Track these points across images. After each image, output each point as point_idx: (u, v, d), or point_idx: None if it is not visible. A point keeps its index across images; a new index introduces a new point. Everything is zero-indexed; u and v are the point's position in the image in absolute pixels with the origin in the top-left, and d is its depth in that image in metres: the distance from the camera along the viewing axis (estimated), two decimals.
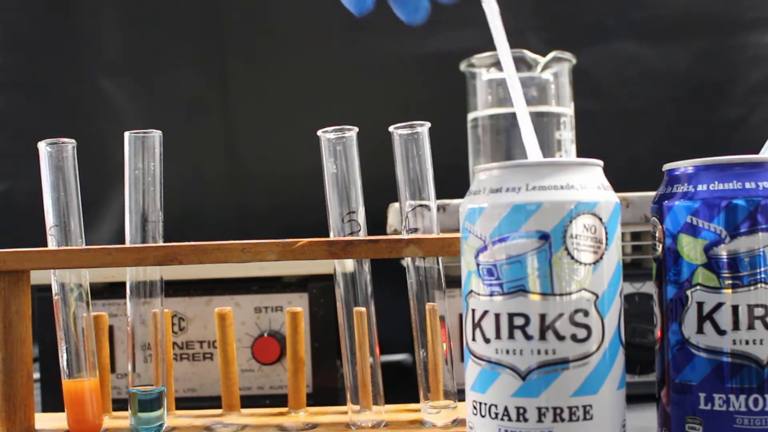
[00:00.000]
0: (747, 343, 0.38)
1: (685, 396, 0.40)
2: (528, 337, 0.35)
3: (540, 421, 0.35)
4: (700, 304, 0.39)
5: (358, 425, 0.48)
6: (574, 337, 0.35)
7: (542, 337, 0.35)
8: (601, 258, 0.36)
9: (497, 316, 0.36)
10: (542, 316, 0.35)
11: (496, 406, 0.36)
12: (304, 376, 0.51)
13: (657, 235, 0.41)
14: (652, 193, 0.43)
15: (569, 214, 0.35)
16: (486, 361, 0.36)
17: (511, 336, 0.35)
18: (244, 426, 0.50)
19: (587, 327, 0.35)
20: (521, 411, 0.35)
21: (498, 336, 0.36)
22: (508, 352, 0.36)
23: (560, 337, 0.35)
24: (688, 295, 0.39)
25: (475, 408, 0.37)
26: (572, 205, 0.35)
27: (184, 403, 0.60)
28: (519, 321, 0.35)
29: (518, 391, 0.35)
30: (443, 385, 0.48)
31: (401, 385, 0.60)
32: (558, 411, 0.35)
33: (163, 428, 0.49)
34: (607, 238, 0.36)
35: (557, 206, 0.35)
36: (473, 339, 0.37)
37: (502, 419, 0.36)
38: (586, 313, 0.35)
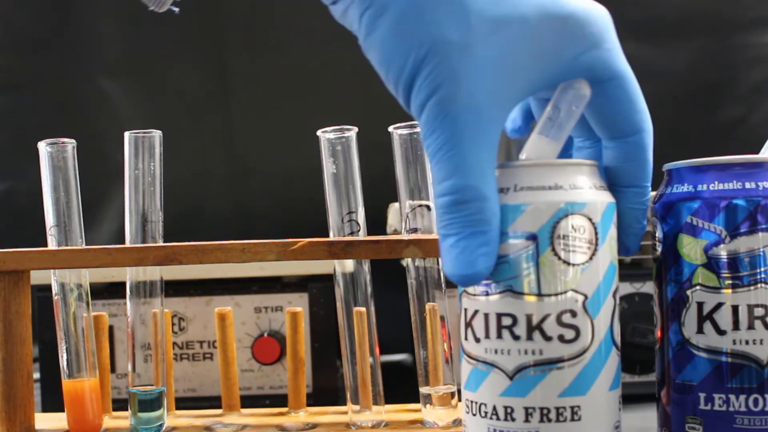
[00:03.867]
0: (747, 343, 0.38)
1: (685, 396, 0.40)
2: (515, 337, 0.35)
3: (527, 421, 0.35)
4: (700, 304, 0.39)
5: (358, 425, 0.48)
6: (561, 338, 0.35)
7: (529, 337, 0.35)
8: (590, 259, 0.35)
9: (486, 315, 0.36)
10: (529, 317, 0.35)
11: (485, 405, 0.36)
12: (304, 376, 0.51)
13: (657, 235, 0.41)
14: (652, 193, 0.43)
15: (556, 214, 0.35)
16: (476, 360, 0.36)
17: (499, 336, 0.35)
18: (244, 426, 0.50)
19: (575, 328, 0.35)
20: (509, 410, 0.35)
21: (487, 335, 0.36)
22: (496, 351, 0.36)
23: (547, 338, 0.35)
24: (688, 295, 0.39)
25: (467, 407, 0.37)
26: (560, 205, 0.35)
27: (184, 403, 0.60)
28: (507, 321, 0.35)
29: (506, 390, 0.35)
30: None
31: (401, 385, 0.60)
32: (545, 411, 0.35)
33: (163, 428, 0.49)
34: (597, 239, 0.36)
35: (544, 207, 0.35)
36: (465, 338, 0.37)
37: (491, 418, 0.36)
38: (573, 314, 0.35)
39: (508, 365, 0.35)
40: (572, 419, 0.35)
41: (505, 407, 0.35)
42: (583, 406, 0.35)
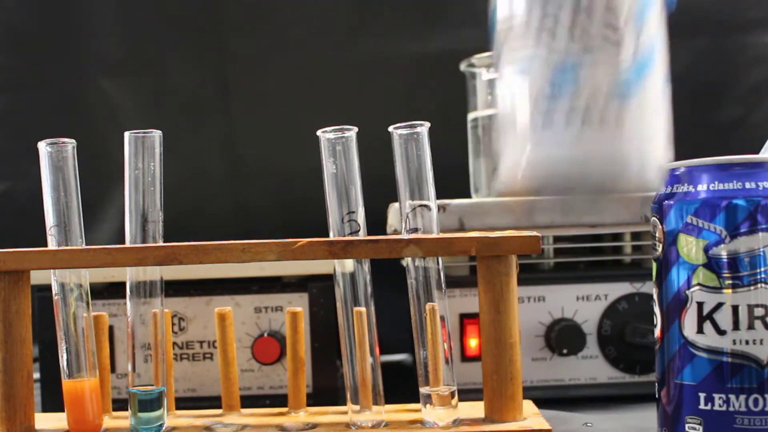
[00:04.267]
0: (747, 343, 0.38)
1: (685, 396, 0.40)
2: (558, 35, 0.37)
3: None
4: (700, 304, 0.39)
5: (358, 425, 0.48)
6: (607, 37, 0.36)
7: (572, 29, 0.37)
8: None
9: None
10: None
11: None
12: (304, 376, 0.51)
13: (657, 235, 0.41)
14: (652, 193, 0.43)
15: None
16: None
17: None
18: (244, 426, 0.50)
19: (615, 36, 0.37)
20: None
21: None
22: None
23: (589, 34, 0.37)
24: (688, 295, 0.39)
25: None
26: None
27: (184, 403, 0.60)
28: (549, 21, 0.38)
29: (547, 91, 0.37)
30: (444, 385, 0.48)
31: (401, 385, 0.60)
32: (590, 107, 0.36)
33: (163, 428, 0.49)
34: None
35: None
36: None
37: None
38: (615, 22, 0.37)
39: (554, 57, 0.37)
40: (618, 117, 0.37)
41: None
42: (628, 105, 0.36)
